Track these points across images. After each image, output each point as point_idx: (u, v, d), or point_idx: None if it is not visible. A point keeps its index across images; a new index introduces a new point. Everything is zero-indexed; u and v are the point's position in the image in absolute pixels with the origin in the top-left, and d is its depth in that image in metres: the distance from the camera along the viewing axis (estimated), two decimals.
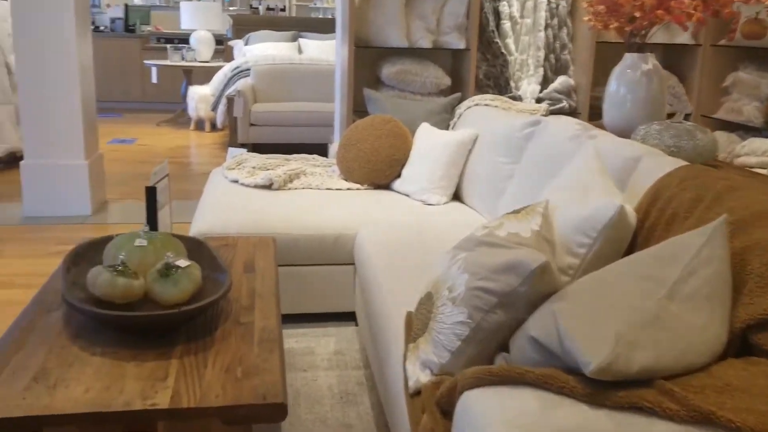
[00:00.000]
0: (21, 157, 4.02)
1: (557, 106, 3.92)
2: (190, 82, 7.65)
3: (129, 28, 8.89)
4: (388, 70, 3.82)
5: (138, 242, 1.79)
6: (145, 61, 7.65)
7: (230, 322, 1.67)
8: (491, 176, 2.66)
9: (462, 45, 3.89)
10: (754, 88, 3.70)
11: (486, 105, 3.16)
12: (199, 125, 7.42)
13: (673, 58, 4.24)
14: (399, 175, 3.05)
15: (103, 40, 8.39)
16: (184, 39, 8.80)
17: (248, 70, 6.32)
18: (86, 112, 4.09)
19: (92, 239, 1.95)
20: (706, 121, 3.98)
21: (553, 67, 4.12)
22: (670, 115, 2.93)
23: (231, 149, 3.61)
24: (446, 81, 3.89)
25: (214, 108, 6.50)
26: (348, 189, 3.04)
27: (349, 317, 2.70)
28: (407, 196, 2.96)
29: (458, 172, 2.89)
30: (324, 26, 8.01)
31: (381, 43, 3.84)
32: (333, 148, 3.68)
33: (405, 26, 3.82)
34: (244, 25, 8.02)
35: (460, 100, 3.39)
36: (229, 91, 6.25)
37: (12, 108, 5.22)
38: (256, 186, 3.01)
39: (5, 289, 2.99)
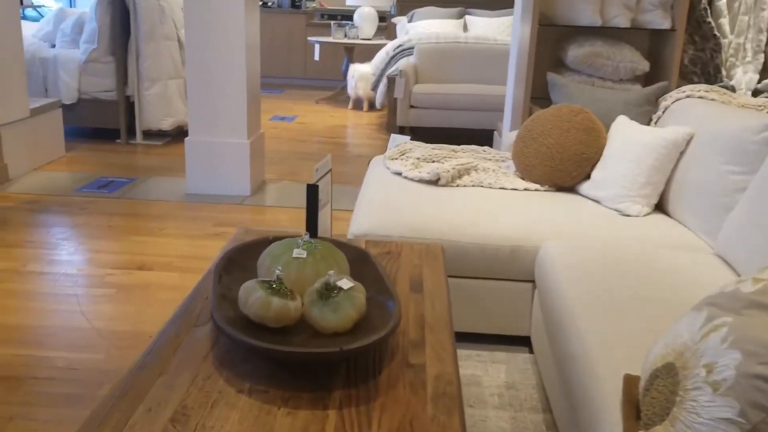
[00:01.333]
0: (188, 132, 4.02)
1: None
2: (351, 60, 7.53)
3: (295, 4, 8.94)
4: (575, 53, 3.35)
5: (296, 253, 1.54)
6: (309, 38, 7.62)
7: (397, 363, 1.37)
8: (713, 187, 2.15)
9: (666, 24, 3.33)
10: None
11: (700, 97, 2.62)
12: (357, 104, 7.29)
13: None
14: (588, 177, 2.61)
15: (270, 16, 8.49)
16: (347, 15, 8.70)
17: (411, 48, 6.04)
18: (251, 90, 4.00)
19: (244, 242, 1.73)
20: None
21: None
22: None
23: (394, 136, 3.33)
24: (643, 66, 3.35)
25: (374, 87, 6.30)
26: (525, 189, 2.65)
27: (521, 342, 2.34)
28: (597, 202, 2.52)
29: (665, 179, 2.40)
30: (493, 1, 7.54)
31: (568, 21, 3.37)
32: (507, 139, 3.29)
33: (599, 1, 3.32)
34: (409, 2, 7.75)
35: (665, 90, 2.86)
36: (391, 70, 6.02)
37: (182, 82, 5.32)
38: (420, 180, 2.70)
39: (163, 271, 2.93)
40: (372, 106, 7.18)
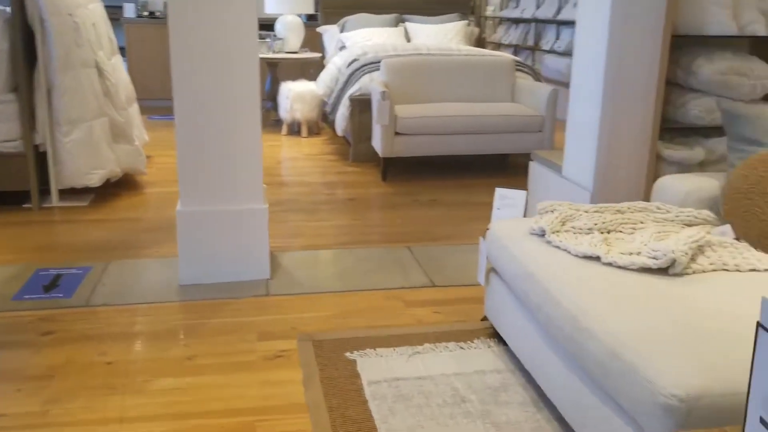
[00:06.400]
0: (116, 184, 2.85)
1: None
2: (276, 77, 6.46)
3: None
4: (707, 69, 2.69)
5: None
6: None
7: None
8: None
9: None
10: None
11: None
12: (292, 129, 6.24)
13: None
14: None
15: (157, 28, 7.14)
16: (264, 25, 7.58)
17: (371, 64, 5.15)
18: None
19: None
20: None
21: None
22: None
23: (500, 191, 2.49)
24: None
25: (332, 112, 5.32)
26: None
27: None
28: None
29: None
30: (430, 7, 6.83)
31: (694, 29, 2.71)
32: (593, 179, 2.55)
33: (732, 6, 2.69)
34: (335, 8, 6.82)
35: None
36: (352, 90, 5.09)
37: (106, 121, 4.03)
38: (639, 268, 1.88)
39: None
40: (311, 131, 6.18)
